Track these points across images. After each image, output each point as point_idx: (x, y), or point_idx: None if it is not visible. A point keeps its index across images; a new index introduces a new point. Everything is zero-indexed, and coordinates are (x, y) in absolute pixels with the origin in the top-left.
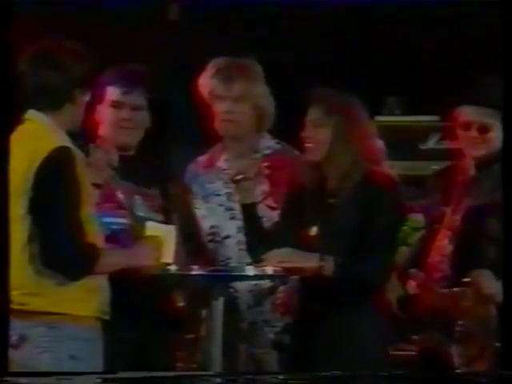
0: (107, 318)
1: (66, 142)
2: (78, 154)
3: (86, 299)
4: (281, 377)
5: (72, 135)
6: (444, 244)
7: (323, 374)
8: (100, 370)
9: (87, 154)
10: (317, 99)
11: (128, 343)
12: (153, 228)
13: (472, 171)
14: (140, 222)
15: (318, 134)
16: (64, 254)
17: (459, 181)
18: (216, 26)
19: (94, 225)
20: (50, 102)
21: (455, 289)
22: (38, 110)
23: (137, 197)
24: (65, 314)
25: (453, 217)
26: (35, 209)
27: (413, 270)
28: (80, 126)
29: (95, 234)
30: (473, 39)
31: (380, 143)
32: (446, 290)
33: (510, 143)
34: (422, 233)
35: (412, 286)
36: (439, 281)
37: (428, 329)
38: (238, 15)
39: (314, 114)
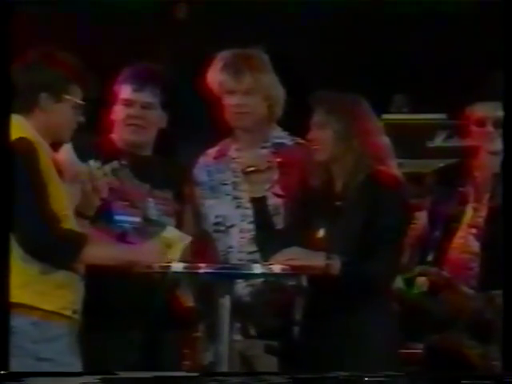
0: (75, 316)
1: (33, 136)
2: (43, 147)
3: (53, 294)
4: (287, 377)
5: None
6: (468, 242)
7: (329, 375)
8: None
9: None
10: (319, 101)
11: (133, 342)
12: (167, 231)
13: (494, 169)
14: (151, 224)
15: (322, 135)
16: (40, 241)
17: (476, 178)
18: (223, 24)
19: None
20: (21, 106)
21: (492, 291)
22: (15, 112)
23: (150, 199)
24: (33, 308)
25: (476, 214)
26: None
27: (431, 268)
28: (60, 134)
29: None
30: (478, 36)
31: (386, 140)
32: (473, 292)
33: (511, 143)
34: (438, 231)
35: (429, 283)
36: (468, 279)
37: (445, 329)
38: (245, 12)
39: (317, 115)
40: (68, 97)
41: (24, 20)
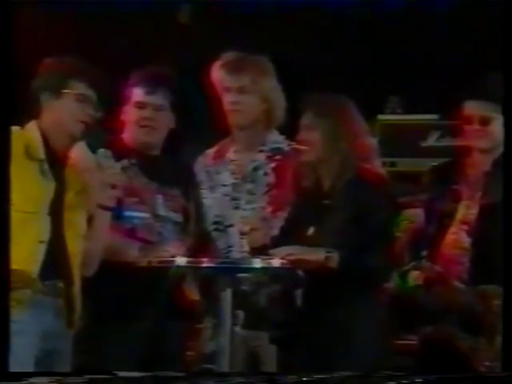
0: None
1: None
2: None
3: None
4: (287, 377)
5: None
6: (460, 237)
7: (329, 375)
8: None
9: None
10: (308, 103)
11: (136, 335)
12: None
13: (486, 167)
14: (159, 220)
15: (310, 136)
16: None
17: (469, 176)
18: (226, 28)
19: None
20: (30, 111)
21: (482, 286)
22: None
23: (159, 196)
24: None
25: (468, 211)
26: None
27: (424, 263)
28: (69, 130)
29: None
30: (473, 37)
31: (372, 141)
32: (464, 286)
33: (511, 144)
34: (431, 227)
35: (422, 277)
36: (459, 274)
37: (437, 321)
38: (248, 17)
39: (306, 117)
40: (67, 91)
41: (24, 23)
